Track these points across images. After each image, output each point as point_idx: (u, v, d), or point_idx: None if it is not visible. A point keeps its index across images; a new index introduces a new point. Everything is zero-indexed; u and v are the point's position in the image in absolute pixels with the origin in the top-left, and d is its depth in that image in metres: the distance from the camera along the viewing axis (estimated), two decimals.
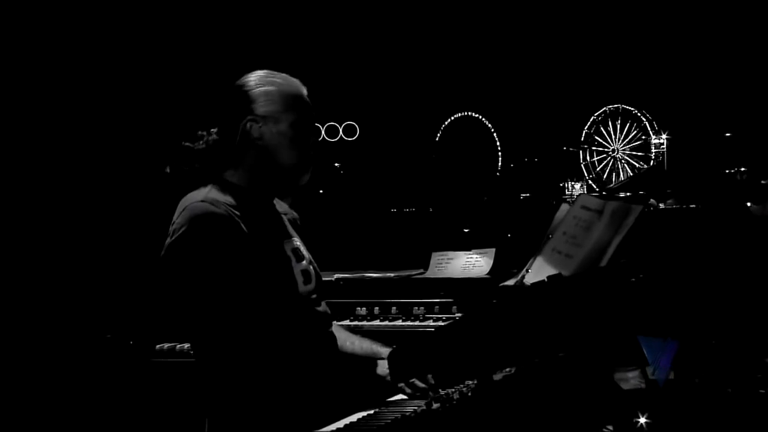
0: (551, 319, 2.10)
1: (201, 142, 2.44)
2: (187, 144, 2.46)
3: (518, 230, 3.87)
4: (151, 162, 4.62)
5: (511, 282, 2.63)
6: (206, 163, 2.43)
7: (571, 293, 2.14)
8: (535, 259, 2.56)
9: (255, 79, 2.46)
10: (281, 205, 2.62)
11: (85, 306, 4.30)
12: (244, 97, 2.43)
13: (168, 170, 2.57)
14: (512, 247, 3.60)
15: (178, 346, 3.50)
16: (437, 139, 6.83)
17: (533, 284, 2.26)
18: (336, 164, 6.21)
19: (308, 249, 2.63)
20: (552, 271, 2.40)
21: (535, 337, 2.14)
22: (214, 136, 2.46)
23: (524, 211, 5.43)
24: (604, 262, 2.28)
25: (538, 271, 2.56)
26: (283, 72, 2.59)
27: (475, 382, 2.28)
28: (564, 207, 2.90)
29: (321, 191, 5.92)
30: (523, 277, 2.57)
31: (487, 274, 3.58)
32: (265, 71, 2.49)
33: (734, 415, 2.27)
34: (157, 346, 3.50)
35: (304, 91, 2.48)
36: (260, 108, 2.41)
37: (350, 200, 5.96)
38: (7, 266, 4.68)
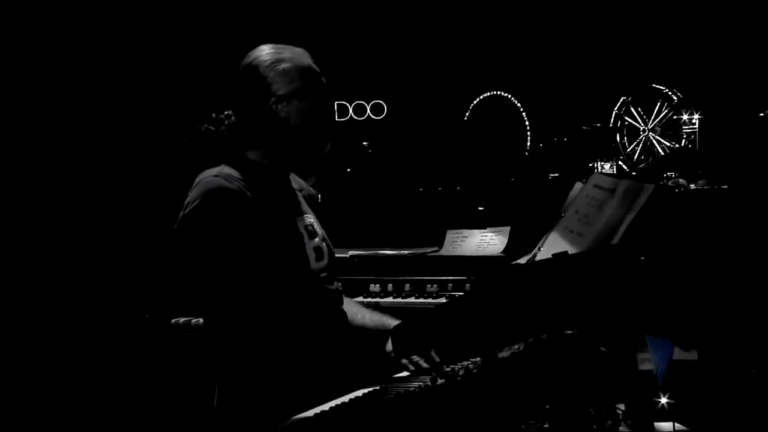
0: (556, 295, 2.09)
1: (222, 126, 2.46)
2: (210, 128, 2.47)
3: (534, 209, 3.85)
4: (171, 139, 4.65)
5: (523, 260, 2.62)
6: (227, 145, 2.45)
7: (576, 269, 2.13)
8: (546, 238, 2.54)
9: (267, 57, 2.45)
10: (297, 182, 2.63)
11: (103, 281, 4.35)
12: (262, 80, 2.43)
13: (182, 148, 2.58)
14: (528, 225, 3.58)
15: (194, 320, 3.54)
16: (466, 118, 6.78)
17: (538, 261, 2.25)
18: (364, 143, 6.20)
19: (327, 226, 2.64)
20: (562, 249, 2.39)
21: (541, 314, 2.13)
22: (232, 119, 2.47)
23: (552, 191, 5.39)
24: (615, 241, 2.26)
25: (549, 250, 2.55)
26: (300, 46, 2.58)
27: (481, 358, 2.28)
28: (577, 185, 2.88)
29: (348, 170, 5.92)
30: (535, 255, 2.56)
31: (502, 252, 3.57)
32: (271, 47, 2.48)
33: (758, 396, 2.25)
34: (173, 321, 3.54)
35: (311, 60, 2.49)
36: (282, 88, 2.42)
37: (377, 179, 5.95)
38: (31, 242, 4.75)
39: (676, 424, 2.68)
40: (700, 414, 2.75)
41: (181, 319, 3.50)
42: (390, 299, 3.48)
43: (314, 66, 2.52)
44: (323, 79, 2.53)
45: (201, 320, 3.55)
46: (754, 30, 6.36)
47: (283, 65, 2.45)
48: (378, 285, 3.58)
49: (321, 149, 2.54)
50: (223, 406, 2.41)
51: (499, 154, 6.81)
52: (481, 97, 6.94)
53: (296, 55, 2.51)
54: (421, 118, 7.06)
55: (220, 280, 2.32)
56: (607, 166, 6.62)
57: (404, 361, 2.36)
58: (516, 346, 2.39)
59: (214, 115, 2.54)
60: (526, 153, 6.89)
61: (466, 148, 6.76)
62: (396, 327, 2.32)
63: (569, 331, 2.17)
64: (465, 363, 2.35)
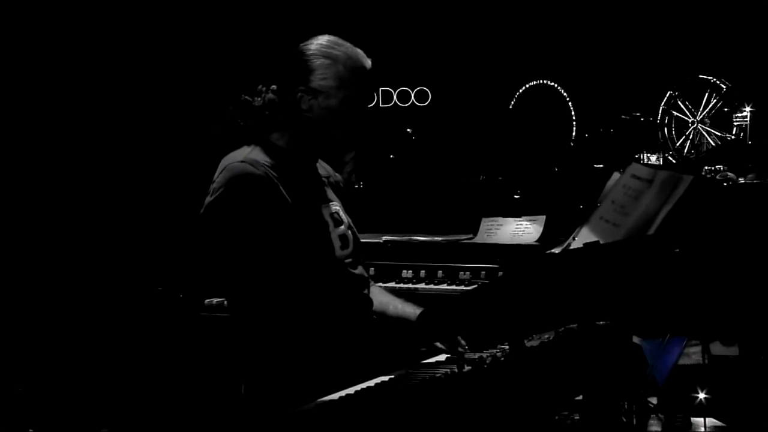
0: (587, 284, 2.06)
1: (259, 98, 2.45)
2: (246, 98, 2.47)
3: (571, 198, 3.81)
4: (204, 117, 4.66)
5: (557, 250, 2.59)
6: (258, 120, 2.44)
7: (608, 259, 2.10)
8: (581, 228, 2.52)
9: (317, 47, 2.43)
10: (324, 168, 2.62)
11: (138, 258, 4.39)
12: (303, 65, 2.43)
13: (217, 129, 2.58)
14: (564, 215, 3.55)
15: (226, 301, 3.55)
16: (511, 106, 6.73)
17: (570, 250, 2.22)
18: (408, 130, 6.18)
19: (363, 211, 2.64)
20: (597, 239, 2.36)
21: (571, 303, 2.10)
22: (271, 95, 2.46)
23: (591, 182, 5.33)
24: (651, 232, 2.23)
25: (583, 240, 2.52)
26: (351, 40, 2.55)
27: (509, 346, 2.26)
28: (615, 175, 2.85)
29: (391, 156, 5.91)
30: (569, 245, 2.53)
31: (536, 241, 3.55)
32: (330, 39, 2.45)
33: None
34: (206, 301, 3.57)
35: (367, 65, 2.44)
36: (315, 80, 2.41)
37: (420, 166, 5.93)
38: (68, 219, 4.81)
39: (713, 420, 2.64)
40: (738, 410, 2.70)
41: (215, 300, 3.52)
42: (422, 285, 3.48)
43: (365, 72, 2.45)
44: (368, 89, 2.47)
45: None
46: None
47: (328, 60, 2.42)
48: (410, 271, 3.58)
49: (337, 152, 2.53)
50: (249, 388, 2.43)
51: (544, 143, 6.74)
52: (527, 85, 6.87)
53: (349, 55, 2.45)
54: (466, 106, 7.01)
55: (244, 266, 2.33)
56: (653, 158, 6.51)
57: (438, 344, 2.36)
58: (546, 336, 2.37)
59: (260, 87, 2.53)
60: (572, 143, 6.81)
61: (510, 137, 6.70)
62: (423, 312, 2.31)
63: (601, 322, 2.14)
64: (493, 351, 2.34)
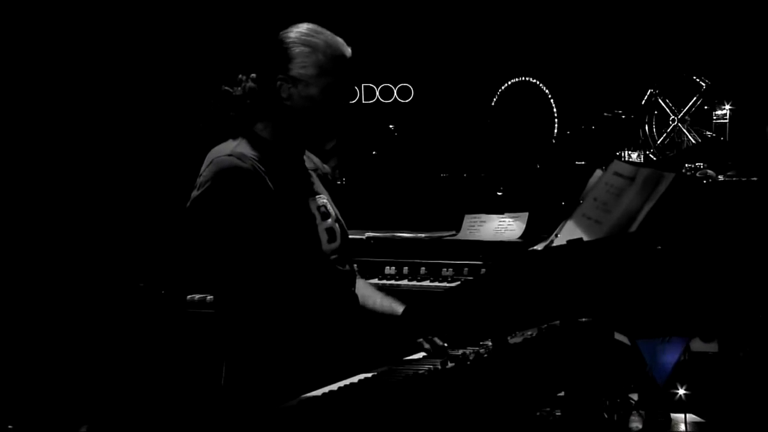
0: (570, 281, 2.07)
1: (239, 87, 2.44)
2: (226, 88, 2.46)
3: (553, 195, 3.82)
4: (187, 111, 4.65)
5: (540, 246, 2.60)
6: (240, 111, 2.43)
7: (591, 256, 2.11)
8: (564, 224, 2.52)
9: (296, 35, 2.43)
10: (311, 161, 2.62)
11: (118, 254, 4.37)
12: (282, 53, 2.42)
13: (201, 125, 2.57)
14: (547, 211, 3.56)
15: (209, 297, 3.55)
16: (493, 103, 6.74)
17: (553, 246, 2.23)
18: (390, 126, 6.18)
19: (346, 207, 2.63)
20: (579, 236, 2.37)
21: (554, 300, 2.12)
22: (251, 84, 2.45)
23: (574, 179, 5.35)
24: (632, 229, 2.24)
25: (566, 236, 2.53)
26: (331, 29, 2.55)
27: (491, 343, 2.27)
28: (597, 173, 2.86)
29: (374, 152, 5.90)
30: (551, 241, 2.54)
31: (519, 238, 3.55)
32: (310, 27, 2.45)
33: None
34: (188, 297, 3.56)
35: (347, 53, 2.44)
36: (295, 69, 2.40)
37: (402, 162, 5.93)
38: (47, 214, 4.78)
39: (693, 416, 2.65)
40: (718, 406, 2.72)
41: (197, 296, 3.51)
42: (405, 282, 3.48)
43: (345, 61, 2.46)
44: (348, 78, 2.48)
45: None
46: None
47: (308, 48, 2.43)
48: (393, 267, 3.58)
49: (318, 142, 2.52)
50: (230, 384, 2.42)
51: (527, 140, 6.76)
52: (510, 82, 6.87)
53: (329, 43, 2.45)
54: (449, 103, 7.01)
55: (230, 259, 2.32)
56: (634, 155, 6.54)
57: (420, 340, 2.36)
58: (529, 332, 2.38)
59: (239, 76, 2.52)
60: (553, 140, 6.83)
61: (493, 134, 6.72)
62: (407, 308, 2.32)
63: (583, 319, 2.16)
64: (476, 348, 2.35)
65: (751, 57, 6.41)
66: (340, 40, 2.49)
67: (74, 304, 4.50)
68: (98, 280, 4.45)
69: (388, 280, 3.58)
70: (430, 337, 2.36)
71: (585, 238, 2.31)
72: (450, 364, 2.20)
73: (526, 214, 3.54)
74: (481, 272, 3.44)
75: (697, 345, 2.99)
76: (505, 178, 4.85)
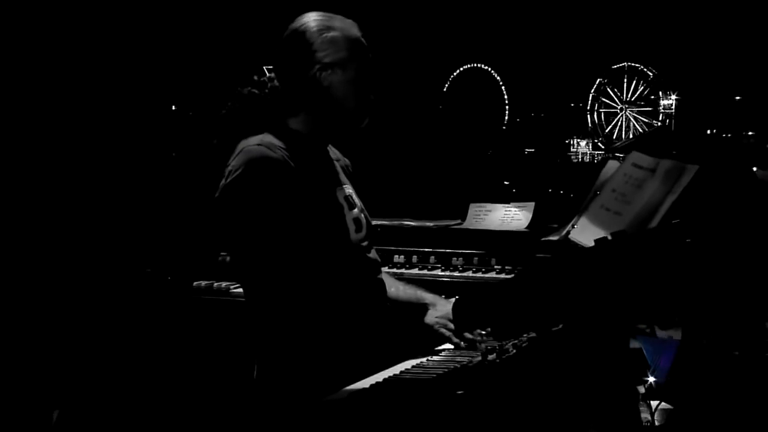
0: (621, 277, 2.09)
1: (266, 89, 2.42)
2: (253, 91, 2.43)
3: (558, 186, 3.86)
4: (208, 107, 4.57)
5: (554, 237, 2.63)
6: (269, 110, 2.41)
7: (641, 252, 2.13)
8: (581, 216, 2.55)
9: (315, 25, 2.42)
10: (334, 152, 2.60)
11: (125, 240, 4.27)
12: (307, 46, 2.40)
13: (225, 111, 2.53)
14: (550, 201, 3.60)
15: (216, 284, 3.51)
16: (445, 89, 6.77)
17: (600, 240, 2.25)
18: None
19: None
20: (598, 228, 2.40)
21: (598, 295, 2.14)
22: (275, 83, 2.43)
23: (528, 166, 5.42)
24: (655, 222, 2.28)
25: (584, 228, 2.57)
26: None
27: (529, 335, 2.29)
28: (612, 164, 2.90)
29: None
30: (568, 232, 2.57)
31: (526, 227, 3.58)
32: (320, 14, 2.45)
33: (740, 378, 2.30)
34: (195, 283, 3.50)
35: (359, 32, 2.46)
36: (328, 57, 2.38)
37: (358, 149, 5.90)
38: (54, 201, 4.66)
39: (662, 404, 2.73)
40: (685, 393, 2.80)
41: (203, 282, 3.46)
42: (415, 271, 3.47)
43: (362, 39, 2.50)
44: (369, 53, 2.51)
45: (223, 284, 3.52)
46: (734, 11, 6.45)
47: (331, 33, 2.43)
48: (402, 256, 3.58)
49: (359, 122, 2.53)
50: (264, 377, 2.40)
51: (478, 126, 6.82)
52: (462, 68, 6.92)
53: (345, 25, 2.48)
54: (401, 89, 7.02)
55: (262, 249, 2.29)
56: (583, 143, 6.67)
57: (467, 334, 2.37)
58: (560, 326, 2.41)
59: (256, 77, 2.50)
60: (504, 127, 6.91)
61: (445, 120, 6.76)
62: (458, 302, 2.32)
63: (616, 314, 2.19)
64: (513, 340, 2.36)
65: (697, 48, 6.58)
66: (347, 19, 2.52)
67: (80, 291, 4.40)
68: (105, 266, 4.36)
69: (397, 268, 3.56)
70: (480, 328, 2.37)
71: (605, 230, 2.34)
72: (491, 356, 2.20)
73: (533, 203, 3.57)
74: (491, 262, 3.45)
75: (660, 333, 3.07)
76: (454, 166, 4.88)
